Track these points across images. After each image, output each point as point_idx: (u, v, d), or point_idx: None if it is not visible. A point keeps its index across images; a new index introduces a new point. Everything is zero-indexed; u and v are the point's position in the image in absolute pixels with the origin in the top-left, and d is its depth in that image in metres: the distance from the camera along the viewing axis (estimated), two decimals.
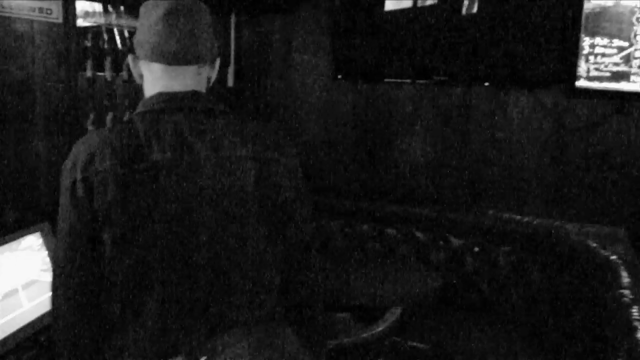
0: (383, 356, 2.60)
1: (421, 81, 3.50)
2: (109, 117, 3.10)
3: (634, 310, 1.99)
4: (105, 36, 3.11)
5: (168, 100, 1.32)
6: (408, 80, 3.53)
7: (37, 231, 2.19)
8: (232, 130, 1.33)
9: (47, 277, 2.21)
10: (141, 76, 1.42)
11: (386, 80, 3.58)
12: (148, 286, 1.24)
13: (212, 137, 1.29)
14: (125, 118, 3.05)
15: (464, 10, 3.45)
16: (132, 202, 1.22)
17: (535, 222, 3.14)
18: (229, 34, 3.88)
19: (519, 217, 3.21)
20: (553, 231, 3.03)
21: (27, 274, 2.12)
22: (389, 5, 3.68)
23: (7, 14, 2.51)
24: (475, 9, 3.39)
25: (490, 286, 3.23)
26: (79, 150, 1.28)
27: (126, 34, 3.21)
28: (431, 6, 3.48)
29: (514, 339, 2.98)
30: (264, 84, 3.96)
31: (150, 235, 1.23)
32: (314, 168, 3.78)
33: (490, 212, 3.32)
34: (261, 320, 1.34)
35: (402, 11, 3.57)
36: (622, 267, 2.36)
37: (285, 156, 1.38)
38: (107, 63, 3.08)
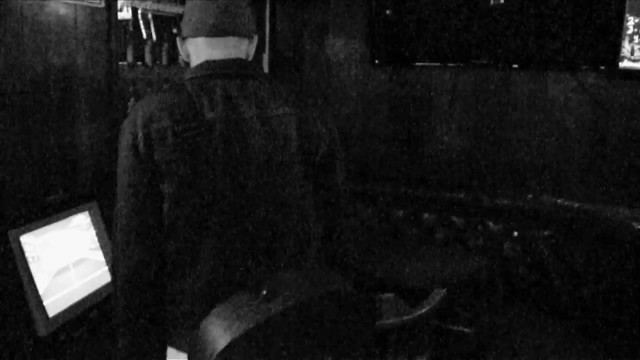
0: (428, 338, 2.59)
1: (460, 64, 3.46)
2: None
3: None
4: (142, 22, 3.13)
5: (214, 67, 1.44)
6: (446, 64, 3.50)
7: (85, 210, 2.22)
8: (274, 92, 1.45)
9: (96, 255, 2.25)
10: (188, 55, 1.54)
11: (423, 63, 3.55)
12: (204, 232, 1.35)
13: (256, 98, 1.42)
14: None
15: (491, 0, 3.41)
16: (189, 156, 1.33)
17: (576, 206, 3.10)
18: (264, 21, 3.89)
19: (559, 200, 3.18)
20: (595, 214, 2.99)
21: (77, 252, 2.16)
22: None
23: None
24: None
25: (530, 271, 3.19)
26: (139, 111, 1.38)
27: (163, 17, 3.24)
28: None
29: (555, 324, 2.95)
30: (299, 71, 3.96)
31: (205, 185, 1.34)
32: (350, 154, 3.77)
33: (529, 196, 3.29)
34: (307, 263, 1.47)
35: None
36: None
37: (322, 113, 1.52)
38: (147, 49, 3.10)
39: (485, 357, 2.85)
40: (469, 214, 3.43)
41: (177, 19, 3.31)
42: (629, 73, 3.03)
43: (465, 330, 2.90)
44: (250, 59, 1.54)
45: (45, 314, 1.87)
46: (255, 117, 1.40)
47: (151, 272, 1.36)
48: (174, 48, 3.27)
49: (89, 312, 2.09)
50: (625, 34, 2.99)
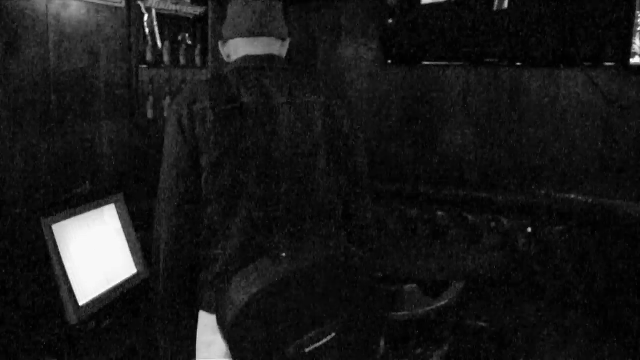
0: (447, 331, 2.62)
1: (471, 63, 3.51)
2: (166, 101, 3.17)
3: None
4: (160, 23, 3.18)
5: (251, 60, 1.65)
6: (458, 63, 3.55)
7: (111, 202, 2.26)
8: (302, 82, 1.65)
9: (122, 247, 2.28)
10: (229, 56, 1.75)
11: (435, 63, 3.60)
12: (237, 202, 1.52)
13: (287, 87, 1.61)
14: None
15: (495, 6, 3.48)
16: (225, 132, 1.51)
17: (589, 201, 3.13)
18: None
19: (572, 196, 3.21)
20: (608, 209, 3.03)
21: (104, 243, 2.19)
22: None
23: None
24: (505, 5, 3.42)
25: (544, 266, 3.22)
26: (184, 94, 1.58)
27: (182, 18, 3.29)
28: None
29: (571, 319, 2.97)
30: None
31: (239, 159, 1.51)
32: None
33: (542, 192, 3.32)
34: (327, 234, 1.63)
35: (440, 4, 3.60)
36: None
37: (343, 102, 1.71)
38: (165, 49, 3.15)
39: (503, 352, 2.88)
40: (483, 211, 3.46)
41: (194, 21, 3.36)
42: None
43: (483, 325, 2.93)
44: (282, 57, 1.73)
45: (76, 302, 1.91)
46: (285, 103, 1.59)
47: (189, 238, 1.53)
48: (191, 49, 3.33)
49: (116, 302, 2.12)
50: (636, 31, 3.04)
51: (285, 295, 1.40)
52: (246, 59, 1.65)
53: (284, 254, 1.45)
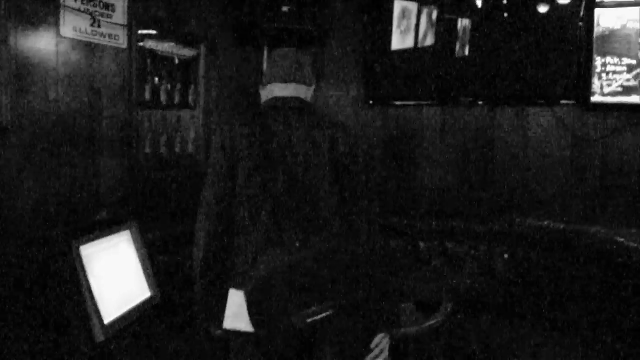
0: (439, 349, 2.77)
1: (447, 104, 3.80)
2: (163, 138, 3.31)
3: None
4: (156, 64, 3.35)
5: (281, 100, 2.05)
6: (434, 103, 3.83)
7: (127, 229, 2.36)
8: (318, 121, 2.04)
9: (138, 271, 2.37)
10: (267, 96, 2.12)
11: (414, 102, 3.87)
12: (263, 205, 1.91)
13: (306, 124, 2.01)
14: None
15: (457, 53, 3.82)
16: (257, 152, 1.94)
17: (561, 227, 3.38)
18: (261, 65, 4.15)
19: (544, 222, 3.46)
20: (578, 233, 3.28)
21: (122, 266, 2.28)
22: (396, 45, 4.06)
23: (82, 39, 2.74)
24: (467, 52, 3.76)
25: (522, 289, 3.41)
26: (229, 124, 2.03)
27: (176, 60, 3.46)
28: (430, 47, 3.88)
29: (551, 337, 3.15)
30: None
31: (266, 172, 1.93)
32: None
33: (517, 220, 3.56)
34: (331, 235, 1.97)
35: (406, 51, 3.95)
36: None
37: (344, 129, 2.07)
38: (163, 89, 3.30)
39: None
40: (462, 240, 3.66)
41: (188, 63, 3.54)
42: (600, 106, 3.40)
43: (471, 346, 3.08)
44: (308, 100, 2.12)
45: (102, 320, 1.98)
46: (302, 135, 1.99)
47: (224, 230, 1.93)
48: (185, 89, 3.50)
49: (133, 324, 2.19)
50: (595, 72, 3.38)
51: (295, 275, 1.79)
52: (276, 99, 2.05)
53: (297, 244, 1.87)
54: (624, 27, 3.32)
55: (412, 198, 3.92)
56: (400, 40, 4.06)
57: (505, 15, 3.65)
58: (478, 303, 3.39)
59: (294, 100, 2.05)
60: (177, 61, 3.47)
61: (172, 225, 3.07)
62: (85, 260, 1.99)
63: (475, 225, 3.67)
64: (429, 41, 3.97)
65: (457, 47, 3.85)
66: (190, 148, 3.55)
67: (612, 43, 3.35)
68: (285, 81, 2.06)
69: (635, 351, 2.78)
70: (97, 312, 1.96)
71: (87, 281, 1.96)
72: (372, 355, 1.98)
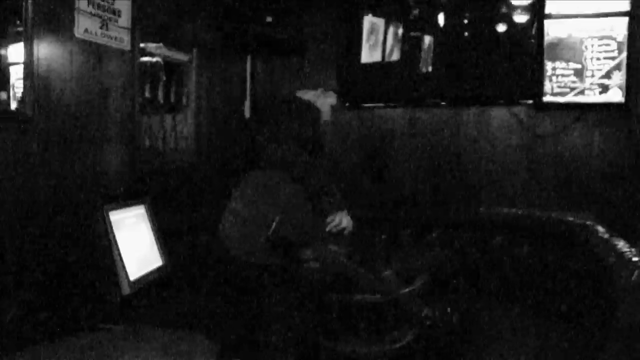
0: (416, 317, 3.10)
1: (416, 105, 4.20)
2: (160, 132, 3.60)
3: (619, 245, 2.59)
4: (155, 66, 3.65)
5: None
6: (405, 105, 4.23)
7: (142, 203, 2.65)
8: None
9: (152, 240, 2.65)
10: None
11: (386, 104, 4.26)
12: None
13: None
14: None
15: (422, 69, 4.25)
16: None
17: (520, 212, 3.78)
18: (246, 71, 4.50)
19: (506, 209, 3.86)
20: (536, 218, 3.68)
21: (140, 234, 2.56)
22: (365, 58, 4.47)
23: (92, 40, 3.04)
24: (430, 68, 4.19)
25: (489, 270, 3.79)
26: None
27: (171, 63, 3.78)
28: (396, 62, 4.31)
29: (513, 308, 3.52)
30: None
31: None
32: None
33: (482, 208, 3.95)
34: None
35: (374, 64, 4.38)
36: (597, 226, 3.00)
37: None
38: (160, 88, 3.61)
39: (463, 340, 3.38)
40: (433, 228, 4.03)
41: (183, 65, 3.85)
42: (551, 105, 3.85)
43: (444, 317, 3.43)
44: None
45: (128, 277, 2.26)
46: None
47: None
48: (179, 90, 3.81)
49: (150, 285, 2.48)
50: (546, 75, 3.83)
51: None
52: None
53: None
54: (569, 35, 3.79)
55: (387, 191, 4.28)
56: (368, 54, 4.46)
57: (467, 28, 4.10)
58: (448, 282, 3.75)
59: None
60: (173, 64, 3.78)
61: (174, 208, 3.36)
62: (113, 225, 2.27)
63: (444, 215, 4.05)
64: (395, 56, 4.39)
65: (421, 63, 4.26)
66: (183, 143, 3.85)
67: (560, 50, 3.81)
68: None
69: (581, 316, 3.17)
70: (124, 269, 2.23)
71: (116, 242, 2.24)
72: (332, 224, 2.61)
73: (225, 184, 2.96)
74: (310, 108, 3.00)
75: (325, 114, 3.11)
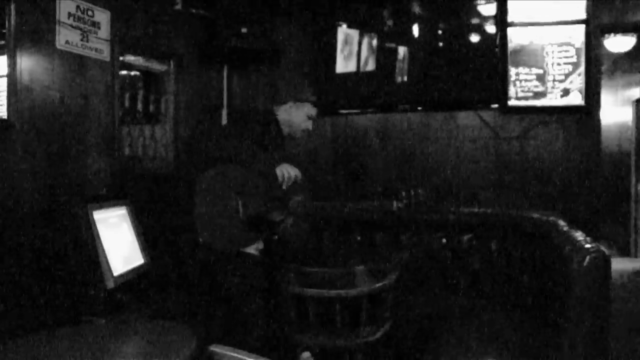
0: (389, 311, 3.24)
1: (388, 111, 4.37)
2: (140, 141, 3.71)
3: (575, 235, 2.76)
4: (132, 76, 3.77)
5: None
6: (377, 111, 4.39)
7: (124, 205, 2.76)
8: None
9: (133, 240, 2.76)
10: None
11: (359, 111, 4.42)
12: None
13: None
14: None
15: (397, 79, 4.43)
16: None
17: (488, 212, 3.95)
18: (222, 82, 4.63)
19: (475, 209, 4.02)
20: (503, 217, 3.85)
21: (122, 234, 2.67)
22: (340, 68, 4.63)
23: (73, 51, 3.15)
24: (405, 78, 4.37)
25: (458, 268, 3.94)
26: None
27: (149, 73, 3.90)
28: (371, 72, 4.48)
29: (481, 305, 3.68)
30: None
31: None
32: None
33: (451, 208, 4.11)
34: None
35: (349, 74, 4.54)
36: (559, 221, 3.17)
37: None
38: (139, 97, 3.72)
39: (431, 333, 3.51)
40: (407, 230, 4.17)
41: (161, 76, 3.98)
42: (515, 109, 4.04)
43: (414, 312, 3.57)
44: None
45: (112, 271, 2.37)
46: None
47: None
48: (157, 99, 3.92)
49: (131, 282, 2.58)
50: (510, 81, 4.02)
51: None
52: None
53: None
54: (531, 42, 3.99)
55: (360, 193, 4.43)
56: (343, 65, 4.62)
57: (437, 37, 4.29)
58: (419, 279, 3.90)
59: None
60: (150, 74, 3.90)
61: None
62: (97, 223, 2.38)
63: (415, 215, 4.19)
64: (370, 66, 4.55)
65: (396, 72, 4.43)
66: (162, 151, 3.96)
67: (523, 56, 4.01)
68: None
69: (544, 306, 3.33)
70: (108, 264, 2.34)
71: (100, 239, 2.34)
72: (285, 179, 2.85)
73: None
74: (268, 114, 3.14)
75: (302, 124, 3.23)
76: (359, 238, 4.27)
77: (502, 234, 3.82)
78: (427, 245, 4.09)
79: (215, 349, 1.99)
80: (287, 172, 2.86)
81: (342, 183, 4.49)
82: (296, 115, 3.22)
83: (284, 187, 2.87)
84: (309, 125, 3.26)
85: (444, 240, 4.06)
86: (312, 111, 3.28)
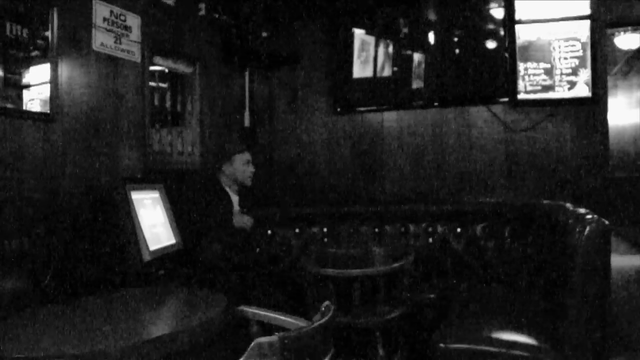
0: (405, 292, 3.40)
1: (403, 108, 4.57)
2: (169, 137, 3.95)
3: (580, 211, 2.91)
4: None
5: None
6: (392, 109, 4.60)
7: (157, 189, 2.99)
8: None
9: (166, 220, 2.99)
10: None
11: (375, 108, 4.62)
12: None
13: None
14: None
15: (413, 85, 4.62)
16: None
17: (500, 201, 4.12)
18: (244, 84, 4.88)
19: (487, 199, 4.19)
20: (514, 207, 4.02)
21: (156, 213, 2.90)
22: (357, 74, 4.83)
23: (107, 52, 3.40)
24: (422, 84, 4.56)
25: (472, 255, 4.10)
26: None
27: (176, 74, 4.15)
28: (387, 77, 4.68)
29: (493, 289, 3.82)
30: (274, 123, 4.93)
31: None
32: (322, 184, 4.71)
33: (465, 199, 4.28)
34: None
35: (365, 79, 4.74)
36: (567, 204, 3.32)
37: None
38: (167, 96, 3.97)
39: (445, 315, 3.67)
40: (421, 221, 4.35)
41: (187, 77, 4.23)
42: (525, 102, 4.20)
43: (431, 296, 3.74)
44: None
45: (148, 246, 2.59)
46: None
47: None
48: (184, 98, 4.17)
49: (164, 258, 2.80)
50: (519, 75, 4.19)
51: None
52: None
53: None
54: (539, 38, 4.17)
55: (377, 189, 4.62)
56: (360, 70, 4.83)
57: (451, 38, 4.49)
58: (435, 267, 4.07)
59: None
60: (178, 76, 4.15)
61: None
62: (134, 202, 2.60)
63: (431, 208, 4.37)
64: (387, 72, 4.76)
65: (412, 78, 4.62)
66: (189, 148, 4.20)
67: (531, 51, 4.19)
68: None
69: (555, 286, 3.47)
70: (144, 239, 2.55)
71: (137, 216, 2.56)
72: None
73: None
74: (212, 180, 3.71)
75: (245, 172, 3.69)
76: (376, 230, 4.46)
77: (515, 222, 3.98)
78: (442, 236, 4.26)
79: (244, 307, 2.19)
80: (243, 222, 3.56)
81: (360, 180, 4.69)
82: (237, 166, 3.65)
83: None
84: (251, 168, 3.71)
85: (458, 230, 4.23)
86: (248, 157, 3.72)
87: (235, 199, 3.69)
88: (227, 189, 3.66)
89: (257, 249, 4.12)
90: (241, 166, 3.66)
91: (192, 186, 3.69)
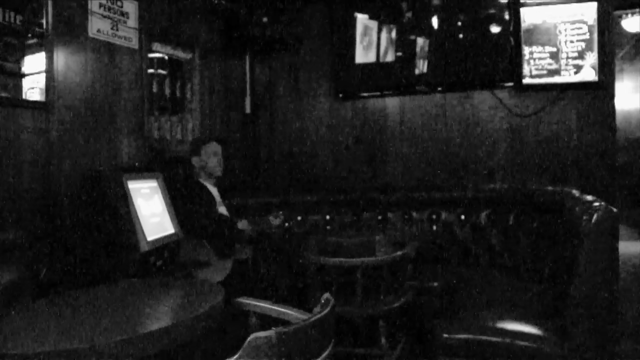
0: (408, 283, 3.36)
1: (405, 93, 4.50)
2: (167, 125, 3.90)
3: (587, 198, 2.86)
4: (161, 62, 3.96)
5: None
6: (395, 94, 4.52)
7: (155, 178, 2.94)
8: None
9: (164, 209, 2.95)
10: None
11: (378, 93, 4.55)
12: None
13: None
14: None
15: (416, 70, 4.53)
16: None
17: (505, 187, 4.06)
18: (245, 70, 4.81)
19: (491, 186, 4.13)
20: (519, 192, 3.95)
21: (154, 203, 2.85)
22: (359, 59, 4.74)
23: (104, 39, 3.34)
24: (425, 69, 4.47)
25: (476, 243, 4.05)
26: None
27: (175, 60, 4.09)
28: (390, 62, 4.58)
29: (498, 277, 3.78)
30: (275, 109, 4.87)
31: None
32: (324, 171, 4.65)
33: (470, 186, 4.22)
34: None
35: (368, 64, 4.64)
36: (572, 190, 3.26)
37: None
38: (166, 83, 3.91)
39: (449, 303, 3.63)
40: (424, 208, 4.29)
41: (186, 64, 4.17)
42: (530, 87, 4.13)
43: (434, 284, 3.69)
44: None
45: (145, 236, 2.55)
46: None
47: None
48: (183, 85, 4.11)
49: (162, 248, 2.76)
50: (524, 59, 4.11)
51: None
52: None
53: None
54: (544, 22, 4.08)
55: (380, 175, 4.57)
56: (363, 55, 4.74)
57: (454, 24, 4.39)
58: (439, 254, 4.02)
59: None
60: (177, 62, 4.09)
61: None
62: (131, 192, 2.56)
63: (434, 194, 4.31)
64: (390, 57, 4.67)
65: (416, 63, 4.53)
66: (189, 135, 4.15)
67: (536, 35, 4.10)
68: None
69: (561, 276, 3.42)
70: (142, 229, 2.52)
71: (134, 206, 2.52)
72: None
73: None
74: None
75: (213, 161, 3.64)
76: (379, 217, 4.42)
77: (519, 208, 3.92)
78: (445, 223, 4.21)
79: (241, 299, 2.15)
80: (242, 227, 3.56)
81: (363, 166, 4.63)
82: (204, 157, 3.60)
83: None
84: (219, 159, 3.66)
85: (463, 217, 4.18)
86: (215, 147, 3.66)
87: (213, 190, 3.62)
88: (202, 181, 3.58)
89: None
90: (207, 157, 3.60)
91: (191, 175, 3.65)
